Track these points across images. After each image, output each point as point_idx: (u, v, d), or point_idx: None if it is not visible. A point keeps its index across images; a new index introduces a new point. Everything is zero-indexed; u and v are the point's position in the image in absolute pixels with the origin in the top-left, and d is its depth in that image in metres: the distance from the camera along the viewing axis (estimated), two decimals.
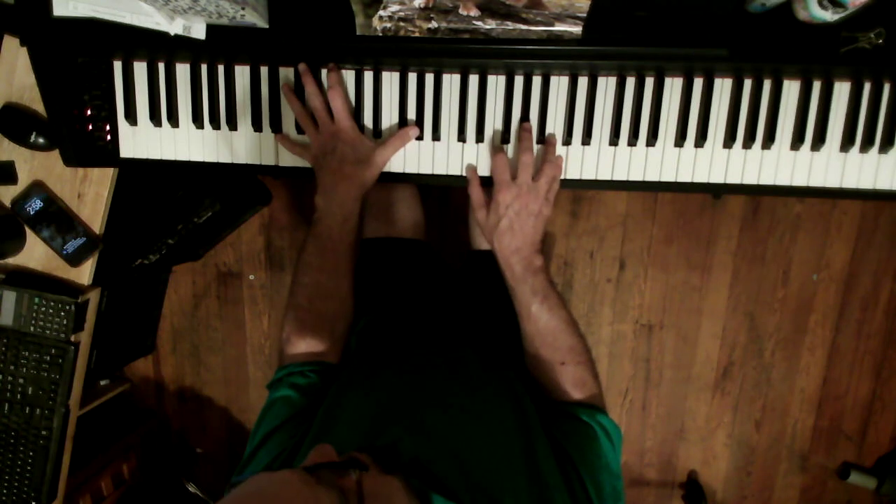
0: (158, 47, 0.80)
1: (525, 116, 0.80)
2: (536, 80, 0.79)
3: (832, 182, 0.79)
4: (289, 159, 0.85)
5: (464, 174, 0.83)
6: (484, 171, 0.82)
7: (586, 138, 0.80)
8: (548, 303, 0.73)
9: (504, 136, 0.81)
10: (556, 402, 0.72)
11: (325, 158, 0.78)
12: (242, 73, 0.82)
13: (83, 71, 0.83)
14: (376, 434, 0.57)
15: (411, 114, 0.82)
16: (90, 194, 0.99)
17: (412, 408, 0.63)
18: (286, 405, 0.68)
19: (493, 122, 0.81)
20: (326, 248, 0.77)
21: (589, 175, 0.81)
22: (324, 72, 0.80)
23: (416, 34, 0.74)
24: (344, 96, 0.78)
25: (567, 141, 0.80)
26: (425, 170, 0.83)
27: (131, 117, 0.85)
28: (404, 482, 0.47)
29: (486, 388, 0.69)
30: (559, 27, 0.72)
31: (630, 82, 0.78)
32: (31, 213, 0.98)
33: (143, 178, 1.28)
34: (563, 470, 0.60)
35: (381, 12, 0.73)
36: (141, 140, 0.86)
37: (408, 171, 0.84)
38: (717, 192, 0.82)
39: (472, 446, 0.57)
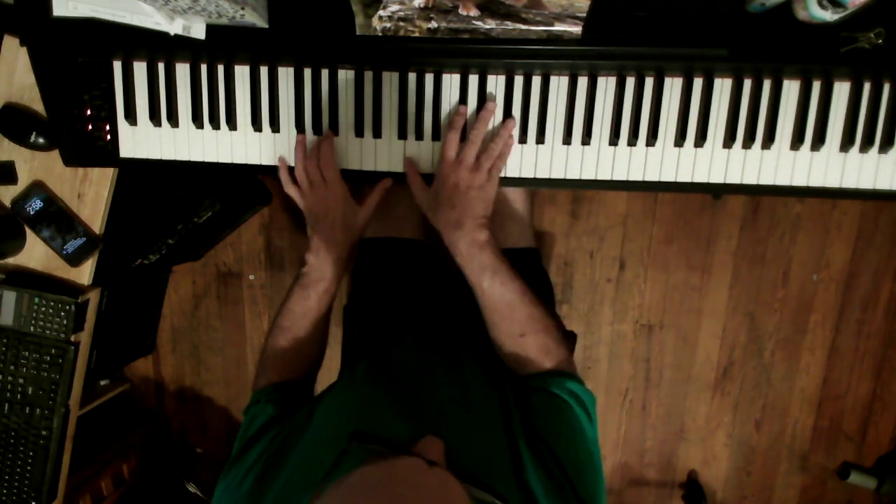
0: (158, 47, 0.80)
1: (525, 116, 0.80)
2: (536, 80, 0.79)
3: (832, 182, 0.79)
4: (288, 160, 0.85)
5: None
6: None
7: (586, 138, 0.80)
8: (499, 276, 0.72)
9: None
10: (525, 377, 0.71)
11: (319, 221, 0.81)
12: (242, 73, 0.82)
13: (83, 71, 0.83)
14: (375, 426, 0.58)
15: (411, 114, 0.82)
16: (90, 194, 0.99)
17: (415, 403, 0.64)
18: (265, 416, 0.71)
19: (494, 121, 0.81)
20: (311, 297, 0.80)
21: (589, 175, 0.81)
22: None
23: (416, 34, 0.74)
24: (336, 166, 0.81)
25: (567, 141, 0.80)
26: (425, 170, 0.83)
27: (131, 117, 0.85)
28: None
29: (476, 382, 0.70)
30: (559, 27, 0.72)
31: (630, 82, 0.78)
32: (31, 213, 0.98)
33: (143, 178, 1.28)
34: (537, 450, 0.59)
35: (380, 12, 0.73)
36: (141, 140, 0.86)
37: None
38: (717, 192, 0.82)
39: (461, 437, 0.58)
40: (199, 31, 0.77)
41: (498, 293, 0.72)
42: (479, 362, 0.76)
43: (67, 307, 1.01)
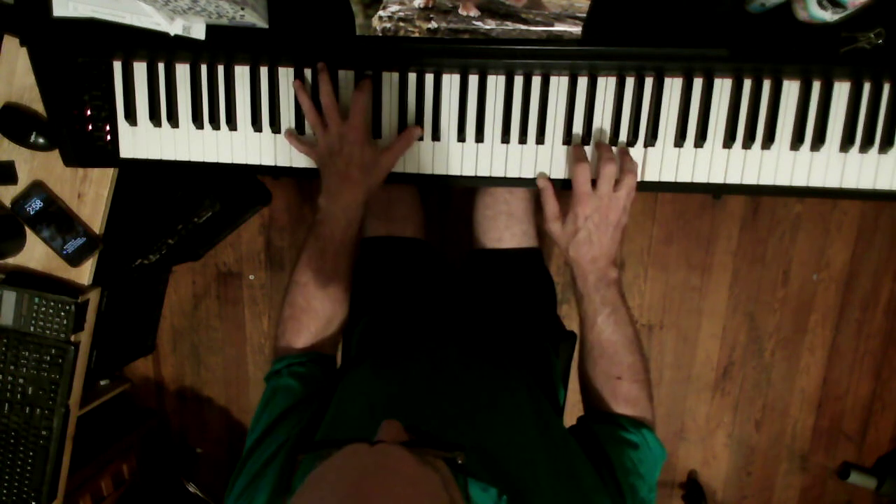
0: (158, 47, 0.80)
1: (525, 117, 0.80)
2: (536, 81, 0.79)
3: (832, 182, 0.79)
4: (286, 159, 0.85)
5: (463, 174, 0.83)
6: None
7: (586, 138, 0.80)
8: (615, 316, 0.72)
9: (504, 136, 0.81)
10: (604, 412, 0.72)
11: (332, 158, 0.76)
12: (242, 74, 0.82)
13: (83, 71, 0.83)
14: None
15: (411, 114, 0.82)
16: (90, 194, 0.99)
17: (428, 397, 0.63)
18: (288, 394, 0.68)
19: (493, 122, 0.81)
20: (327, 250, 0.76)
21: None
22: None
23: (416, 34, 0.74)
24: (368, 100, 0.77)
25: (567, 141, 0.80)
26: (425, 170, 0.83)
27: (131, 117, 0.85)
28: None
29: (498, 379, 0.70)
30: (559, 27, 0.72)
31: (629, 82, 0.78)
32: (31, 213, 0.98)
33: (143, 178, 1.28)
34: (597, 466, 0.61)
35: (380, 12, 0.73)
36: (141, 140, 0.86)
37: (408, 171, 0.84)
38: (717, 192, 0.82)
39: (490, 433, 0.58)
40: (199, 32, 0.77)
41: (609, 331, 0.72)
42: (491, 359, 0.76)
43: (67, 307, 1.01)
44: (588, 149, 0.80)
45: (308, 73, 0.81)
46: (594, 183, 0.74)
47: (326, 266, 0.76)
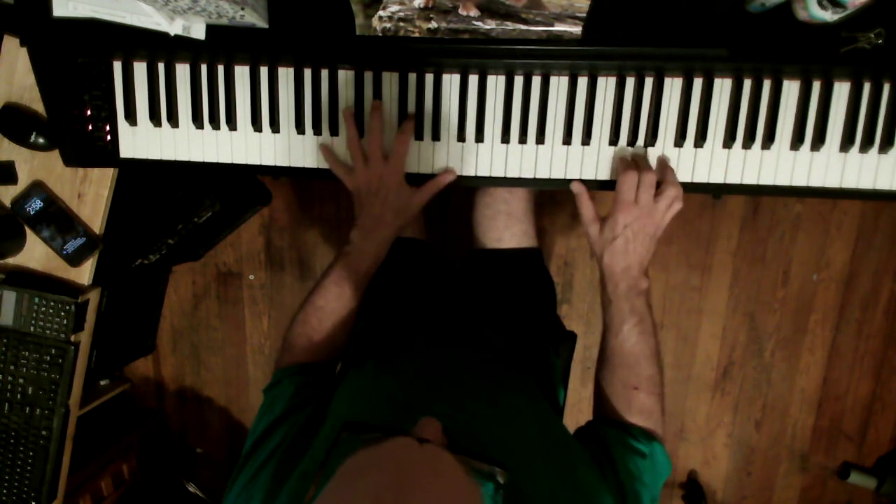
0: (158, 47, 0.80)
1: (525, 117, 0.80)
2: (536, 81, 0.79)
3: (832, 182, 0.79)
4: (285, 159, 0.85)
5: (463, 174, 0.83)
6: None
7: (586, 138, 0.80)
8: (641, 326, 0.72)
9: (504, 136, 0.81)
10: (616, 420, 0.72)
11: (369, 198, 0.79)
12: (242, 74, 0.82)
13: (83, 71, 0.83)
14: (394, 420, 0.57)
15: (411, 114, 0.82)
16: (90, 194, 0.99)
17: (428, 395, 0.64)
18: (286, 399, 0.69)
19: (493, 122, 0.81)
20: (350, 280, 0.79)
21: (588, 175, 0.81)
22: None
23: (416, 34, 0.74)
24: (410, 143, 0.79)
25: (567, 141, 0.80)
26: (425, 170, 0.83)
27: (131, 117, 0.85)
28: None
29: (498, 379, 0.70)
30: (559, 27, 0.72)
31: (630, 82, 0.78)
32: (31, 213, 0.98)
33: (143, 178, 1.28)
34: (600, 465, 0.61)
35: (380, 12, 0.73)
36: (141, 140, 0.86)
37: (408, 171, 0.83)
38: (717, 192, 0.82)
39: (489, 431, 0.58)
40: (199, 32, 0.77)
41: (633, 341, 0.72)
42: (491, 358, 0.76)
43: (67, 307, 1.01)
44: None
45: (308, 73, 0.81)
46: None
47: (346, 293, 0.79)
